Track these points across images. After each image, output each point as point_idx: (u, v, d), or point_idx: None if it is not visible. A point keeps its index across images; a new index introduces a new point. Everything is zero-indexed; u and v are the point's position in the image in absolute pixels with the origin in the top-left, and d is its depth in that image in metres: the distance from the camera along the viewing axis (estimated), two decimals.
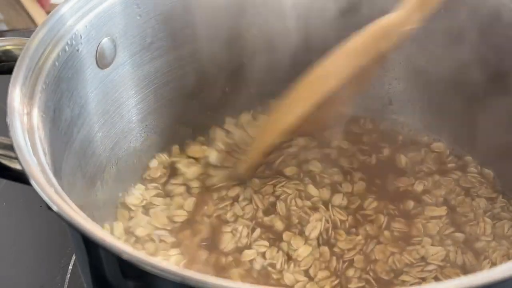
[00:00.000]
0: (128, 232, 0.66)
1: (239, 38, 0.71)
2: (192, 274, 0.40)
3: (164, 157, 0.72)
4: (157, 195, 0.69)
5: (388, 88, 0.76)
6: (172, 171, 0.72)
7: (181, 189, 0.70)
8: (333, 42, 0.62)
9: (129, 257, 0.41)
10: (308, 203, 0.68)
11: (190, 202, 0.69)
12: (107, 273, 0.48)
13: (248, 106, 0.76)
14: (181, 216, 0.68)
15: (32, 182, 0.45)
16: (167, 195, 0.70)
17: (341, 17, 0.70)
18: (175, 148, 0.73)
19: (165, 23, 0.66)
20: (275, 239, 0.65)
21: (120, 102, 0.66)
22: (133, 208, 0.68)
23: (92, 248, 0.48)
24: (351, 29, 0.62)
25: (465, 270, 0.63)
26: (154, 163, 0.72)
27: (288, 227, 0.66)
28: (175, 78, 0.70)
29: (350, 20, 0.67)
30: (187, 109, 0.72)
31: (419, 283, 0.62)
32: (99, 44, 0.60)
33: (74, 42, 0.57)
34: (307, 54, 0.66)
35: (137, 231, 0.66)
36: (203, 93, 0.73)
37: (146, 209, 0.68)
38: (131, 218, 0.68)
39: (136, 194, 0.69)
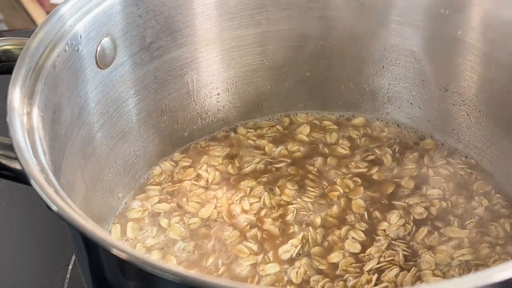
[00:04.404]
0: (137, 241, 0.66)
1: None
2: (192, 274, 0.40)
3: (168, 163, 0.72)
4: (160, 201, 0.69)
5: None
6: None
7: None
8: None
9: (129, 257, 0.42)
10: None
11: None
12: (107, 273, 0.48)
13: None
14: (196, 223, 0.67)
15: (32, 182, 0.45)
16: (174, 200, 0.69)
17: None
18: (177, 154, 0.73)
19: (165, 23, 0.66)
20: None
21: (120, 102, 0.66)
22: (134, 220, 0.67)
23: (92, 248, 0.48)
24: None
25: None
26: (157, 170, 0.71)
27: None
28: (175, 78, 0.70)
29: None
30: (187, 109, 0.73)
31: None
32: (99, 44, 0.60)
33: (74, 42, 0.57)
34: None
35: (147, 240, 0.65)
36: (203, 93, 0.73)
37: (152, 217, 0.68)
38: (140, 229, 0.67)
39: (136, 204, 0.69)
